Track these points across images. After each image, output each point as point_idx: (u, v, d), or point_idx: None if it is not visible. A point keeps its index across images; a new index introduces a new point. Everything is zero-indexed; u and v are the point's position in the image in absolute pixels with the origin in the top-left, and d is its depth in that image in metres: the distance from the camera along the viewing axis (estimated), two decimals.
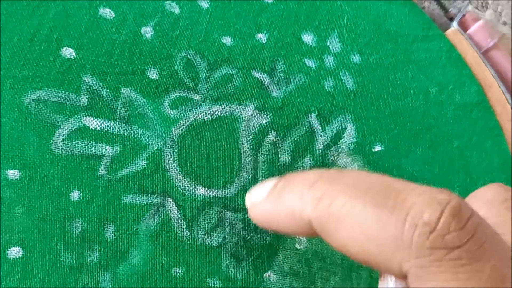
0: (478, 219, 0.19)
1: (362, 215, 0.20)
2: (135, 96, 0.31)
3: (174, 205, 0.30)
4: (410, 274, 0.20)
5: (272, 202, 0.24)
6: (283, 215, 0.24)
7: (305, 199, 0.22)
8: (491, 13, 0.43)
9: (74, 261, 0.28)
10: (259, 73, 0.34)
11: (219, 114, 0.32)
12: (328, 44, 0.36)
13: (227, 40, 0.33)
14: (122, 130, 0.30)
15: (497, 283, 0.19)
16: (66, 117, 0.29)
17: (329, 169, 0.24)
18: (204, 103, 0.32)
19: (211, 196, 0.31)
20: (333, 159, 0.34)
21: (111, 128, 0.30)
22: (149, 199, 0.30)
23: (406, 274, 0.20)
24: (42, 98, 0.29)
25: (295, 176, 0.24)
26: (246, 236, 0.31)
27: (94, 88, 0.30)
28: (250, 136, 0.33)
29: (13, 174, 0.28)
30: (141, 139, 0.30)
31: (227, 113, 0.32)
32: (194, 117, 0.32)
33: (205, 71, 0.32)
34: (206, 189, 0.31)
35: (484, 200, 0.25)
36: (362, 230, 0.20)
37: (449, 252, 0.19)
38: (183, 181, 0.31)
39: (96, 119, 0.30)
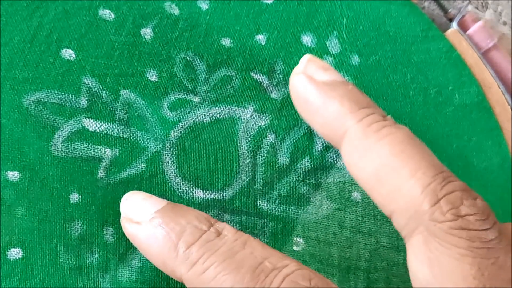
0: None
1: None
2: (135, 98, 0.31)
3: None
4: None
5: (147, 235, 0.25)
6: (155, 254, 0.25)
7: (180, 258, 0.24)
8: (491, 13, 0.43)
9: (74, 263, 0.28)
10: (258, 75, 0.34)
11: (218, 116, 0.32)
12: (327, 45, 0.36)
13: (226, 42, 0.33)
14: (121, 132, 0.30)
15: None
16: (65, 119, 0.29)
17: (215, 222, 0.26)
18: (203, 105, 0.32)
19: (209, 199, 0.31)
20: (332, 160, 0.34)
21: (110, 130, 0.30)
22: None
23: None
24: (42, 99, 0.29)
25: (179, 219, 0.25)
26: None
27: (93, 89, 0.30)
28: (249, 138, 0.33)
29: (13, 175, 0.28)
30: (140, 141, 0.31)
31: (226, 115, 0.33)
32: (193, 120, 0.32)
33: (204, 72, 0.33)
34: (204, 191, 0.31)
35: None
36: None
37: None
38: (181, 184, 0.31)
39: (95, 121, 0.30)
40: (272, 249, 0.24)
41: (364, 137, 0.26)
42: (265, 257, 0.24)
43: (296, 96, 0.29)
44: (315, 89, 0.28)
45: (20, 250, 0.28)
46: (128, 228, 0.26)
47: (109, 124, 0.30)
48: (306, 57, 0.29)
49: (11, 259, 0.28)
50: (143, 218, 0.26)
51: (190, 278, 0.24)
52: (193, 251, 0.24)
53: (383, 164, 0.25)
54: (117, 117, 0.30)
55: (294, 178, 0.33)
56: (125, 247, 0.29)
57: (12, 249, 0.28)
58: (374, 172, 0.25)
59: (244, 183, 0.32)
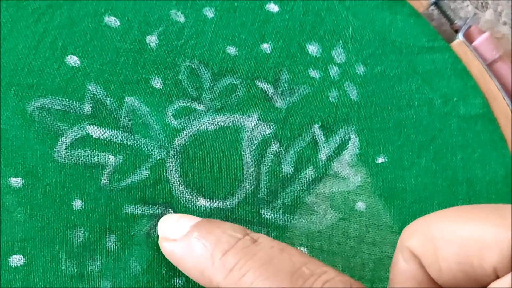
0: None
1: None
2: (139, 105, 0.31)
3: None
4: None
5: (184, 249, 0.25)
6: (192, 267, 0.25)
7: (216, 265, 0.24)
8: (491, 13, 0.43)
9: (76, 270, 0.28)
10: (263, 83, 0.34)
11: (222, 124, 0.32)
12: (333, 54, 0.36)
13: (231, 50, 0.33)
14: (125, 139, 0.30)
15: None
16: (69, 126, 0.29)
17: (249, 232, 0.25)
18: (207, 113, 0.32)
19: (212, 207, 0.31)
20: (336, 170, 0.34)
21: (114, 137, 0.30)
22: (150, 209, 0.30)
23: None
24: (46, 106, 0.29)
25: (214, 230, 0.25)
26: None
27: (98, 96, 0.30)
28: (253, 147, 0.33)
29: (16, 181, 0.28)
30: (144, 149, 0.30)
31: (231, 124, 0.32)
32: (197, 127, 0.32)
33: (209, 81, 0.32)
34: (207, 200, 0.31)
35: None
36: None
37: None
38: (184, 192, 0.31)
39: (99, 128, 0.30)
40: (310, 257, 0.24)
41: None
42: (303, 263, 0.23)
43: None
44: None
45: (22, 257, 0.28)
46: (166, 246, 0.26)
47: (113, 131, 0.30)
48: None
49: (13, 266, 0.27)
50: (179, 234, 0.26)
51: (227, 285, 0.23)
52: (229, 258, 0.23)
53: None
54: (121, 124, 0.30)
55: (298, 188, 0.33)
56: (127, 255, 0.29)
57: (14, 256, 0.27)
58: None
59: (248, 192, 0.32)
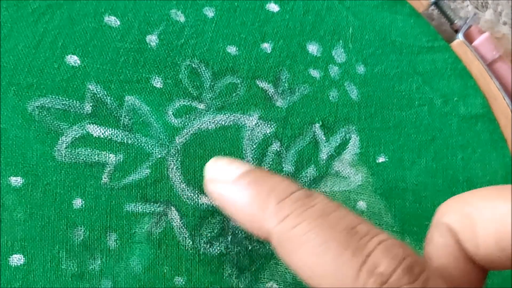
0: (427, 275, 0.21)
1: (323, 249, 0.21)
2: (139, 104, 0.31)
3: (177, 214, 0.30)
4: None
5: (236, 191, 0.25)
6: (243, 210, 0.24)
7: (270, 211, 0.23)
8: (491, 13, 0.43)
9: (76, 269, 0.28)
10: (263, 83, 0.34)
11: (223, 123, 0.32)
12: (333, 54, 0.36)
13: (232, 49, 0.33)
14: (125, 138, 0.30)
15: None
16: (69, 125, 0.29)
17: (302, 187, 0.25)
18: (208, 112, 0.32)
19: (214, 205, 0.31)
20: (337, 169, 0.34)
21: (115, 136, 0.30)
22: (151, 207, 0.30)
23: None
24: (46, 105, 0.29)
25: (268, 179, 0.25)
26: (249, 245, 0.31)
27: (98, 95, 0.30)
28: (254, 146, 0.32)
29: (16, 181, 0.28)
30: (144, 147, 0.30)
31: (231, 123, 0.32)
32: (198, 126, 0.32)
33: (209, 80, 0.32)
34: (209, 198, 0.31)
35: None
36: (319, 263, 0.21)
37: None
38: (186, 190, 0.31)
39: (99, 127, 0.30)
40: (365, 219, 0.24)
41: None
42: (359, 222, 0.22)
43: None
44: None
45: (22, 256, 0.27)
46: (213, 188, 0.26)
47: (113, 130, 0.30)
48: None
49: (13, 266, 0.27)
50: (230, 177, 0.25)
51: (278, 232, 0.23)
52: (284, 206, 0.23)
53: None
54: (122, 123, 0.30)
55: None
56: (128, 253, 0.29)
57: (14, 255, 0.27)
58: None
59: None
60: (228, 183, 0.25)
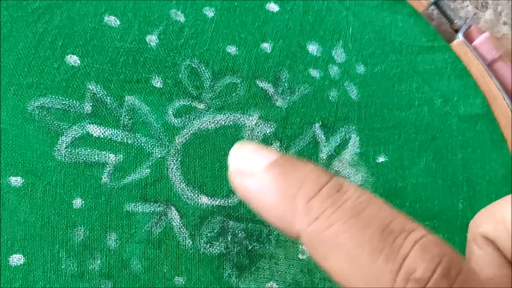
0: (466, 276, 0.20)
1: (356, 253, 0.21)
2: (139, 104, 0.31)
3: (177, 213, 0.30)
4: None
5: (263, 187, 0.23)
6: (271, 208, 0.23)
7: (300, 212, 0.22)
8: (491, 13, 0.43)
9: (76, 269, 0.28)
10: (263, 83, 0.34)
11: (223, 123, 0.32)
12: (333, 54, 0.36)
13: (231, 49, 0.33)
14: (125, 138, 0.30)
15: None
16: (69, 125, 0.29)
17: (332, 176, 0.24)
18: (208, 112, 0.32)
19: (214, 205, 0.31)
20: (337, 169, 0.34)
21: (115, 136, 0.30)
22: (151, 207, 0.30)
23: None
24: (46, 105, 0.29)
25: (296, 171, 0.23)
26: (249, 245, 0.31)
27: (98, 95, 0.30)
28: None
29: (16, 181, 0.28)
30: (144, 147, 0.30)
31: (231, 122, 0.32)
32: (198, 126, 0.32)
33: (209, 80, 0.32)
34: (209, 198, 0.31)
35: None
36: (353, 267, 0.21)
37: None
38: (186, 189, 0.31)
39: (99, 127, 0.30)
40: (398, 210, 0.23)
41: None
42: (392, 218, 0.21)
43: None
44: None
45: (22, 256, 0.27)
46: (239, 180, 0.24)
47: (113, 129, 0.30)
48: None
49: (13, 265, 0.27)
50: (257, 169, 0.24)
51: (310, 234, 0.22)
52: (314, 205, 0.22)
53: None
54: (122, 123, 0.30)
55: None
56: (128, 253, 0.29)
57: (14, 255, 0.27)
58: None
59: None
60: (254, 176, 0.24)
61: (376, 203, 0.22)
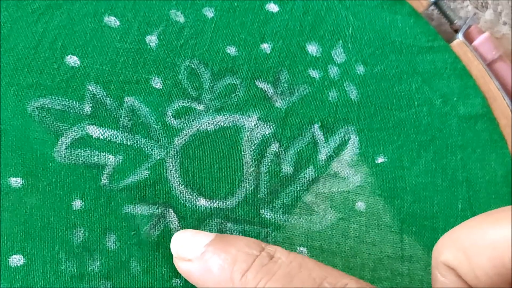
0: None
1: None
2: (139, 105, 0.31)
3: (175, 216, 0.30)
4: None
5: (201, 270, 0.25)
6: (214, 285, 0.25)
7: (237, 285, 0.24)
8: (491, 13, 0.43)
9: (75, 270, 0.28)
10: (263, 83, 0.34)
11: (222, 124, 0.32)
12: (332, 54, 0.36)
13: (231, 50, 0.33)
14: (125, 139, 0.30)
15: None
16: (69, 126, 0.29)
17: (264, 246, 0.25)
18: (207, 113, 0.32)
19: (212, 207, 0.31)
20: (336, 170, 0.34)
21: (114, 137, 0.30)
22: (150, 209, 0.30)
23: None
24: (46, 106, 0.29)
25: (228, 247, 0.25)
26: None
27: (98, 96, 0.30)
28: (253, 147, 0.33)
29: (16, 181, 0.28)
30: (143, 148, 0.30)
31: (230, 124, 0.32)
32: (197, 127, 0.32)
33: (209, 80, 0.32)
34: (207, 200, 0.31)
35: None
36: None
37: None
38: (184, 192, 0.31)
39: (99, 128, 0.30)
40: (329, 267, 0.24)
41: None
42: (323, 278, 0.23)
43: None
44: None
45: (22, 257, 0.28)
46: (182, 266, 0.26)
47: (113, 131, 0.30)
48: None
49: (12, 266, 0.27)
50: (194, 254, 0.26)
51: None
52: (249, 279, 0.23)
53: None
54: (121, 124, 0.30)
55: (298, 188, 0.33)
56: (127, 255, 0.29)
57: (14, 256, 0.27)
58: None
59: (247, 191, 0.32)
60: (193, 261, 0.26)
61: (307, 266, 0.24)
